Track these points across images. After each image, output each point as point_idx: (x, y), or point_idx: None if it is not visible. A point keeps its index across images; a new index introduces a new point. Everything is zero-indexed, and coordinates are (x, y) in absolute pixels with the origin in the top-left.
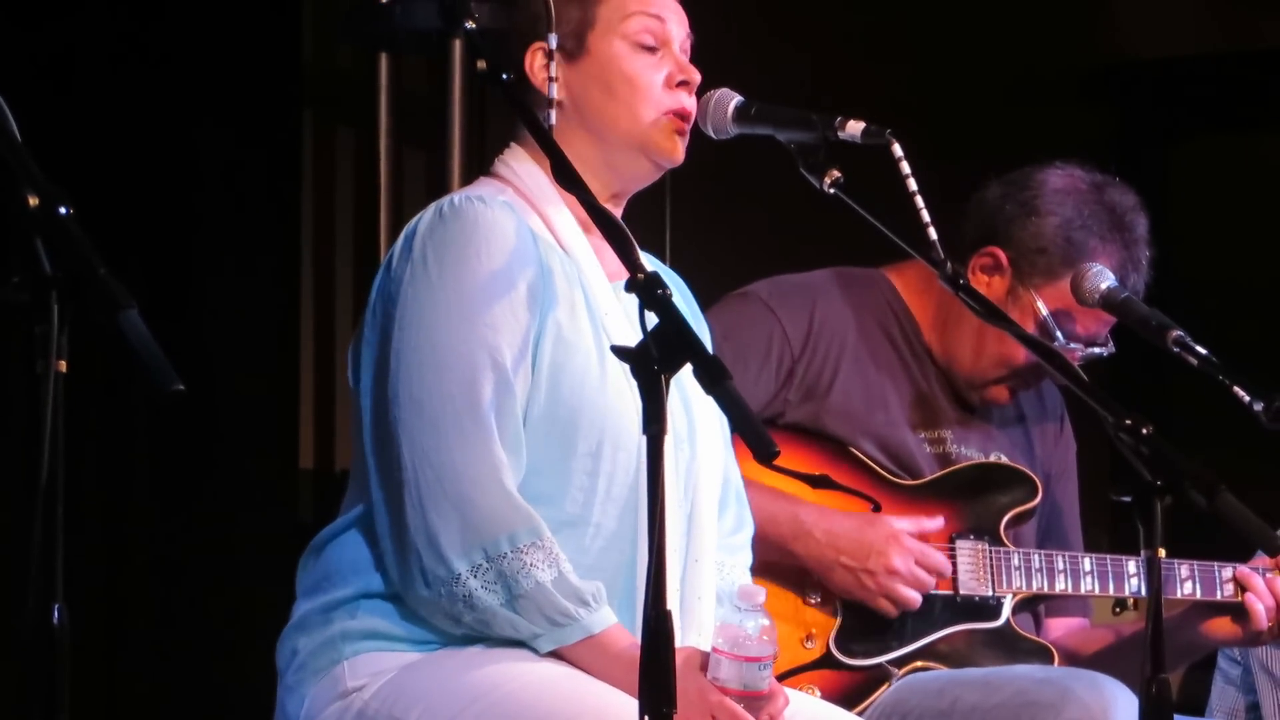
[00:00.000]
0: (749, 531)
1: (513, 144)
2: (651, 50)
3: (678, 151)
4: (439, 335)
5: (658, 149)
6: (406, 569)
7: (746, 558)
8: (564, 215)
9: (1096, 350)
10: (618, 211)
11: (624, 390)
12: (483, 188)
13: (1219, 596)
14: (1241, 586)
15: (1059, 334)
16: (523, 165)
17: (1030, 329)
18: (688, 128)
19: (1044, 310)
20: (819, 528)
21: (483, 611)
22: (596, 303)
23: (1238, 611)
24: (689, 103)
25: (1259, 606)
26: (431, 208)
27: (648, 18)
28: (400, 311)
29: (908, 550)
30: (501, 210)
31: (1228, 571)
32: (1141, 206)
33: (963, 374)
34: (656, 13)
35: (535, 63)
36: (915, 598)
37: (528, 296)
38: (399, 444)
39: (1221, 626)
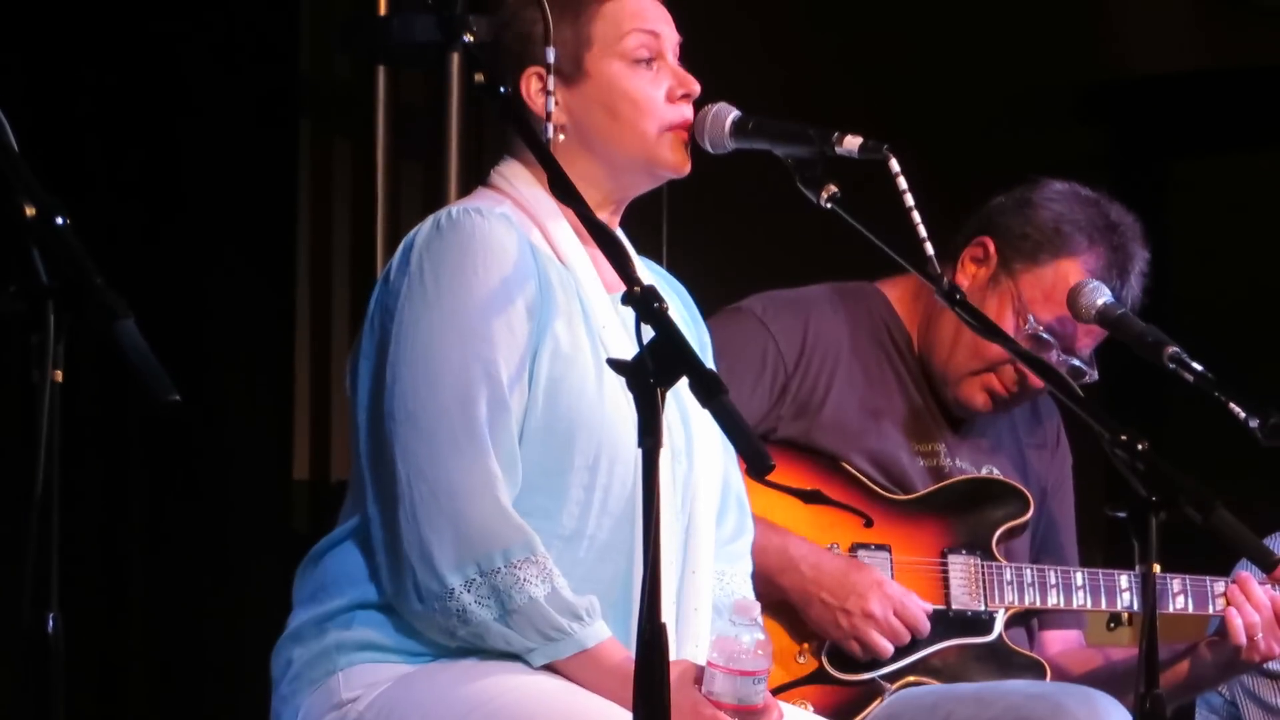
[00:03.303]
0: (749, 538)
1: (507, 157)
2: (648, 64)
3: (686, 164)
4: (434, 350)
5: (666, 164)
6: (400, 583)
7: (747, 565)
8: (562, 227)
9: (1076, 362)
10: (616, 219)
11: (621, 403)
12: (481, 199)
13: (1211, 610)
14: (1228, 601)
15: (1032, 318)
16: (518, 178)
17: (1009, 314)
18: (689, 137)
19: (1023, 296)
20: (806, 562)
21: (476, 626)
22: (594, 315)
23: (1221, 638)
24: (690, 113)
25: (1237, 621)
26: (430, 220)
27: (643, 34)
28: (397, 326)
29: (888, 598)
30: (499, 222)
31: (1220, 586)
32: (1143, 235)
33: (939, 369)
34: (651, 28)
35: (531, 88)
36: (886, 646)
37: (525, 310)
38: (394, 458)
39: (1207, 653)
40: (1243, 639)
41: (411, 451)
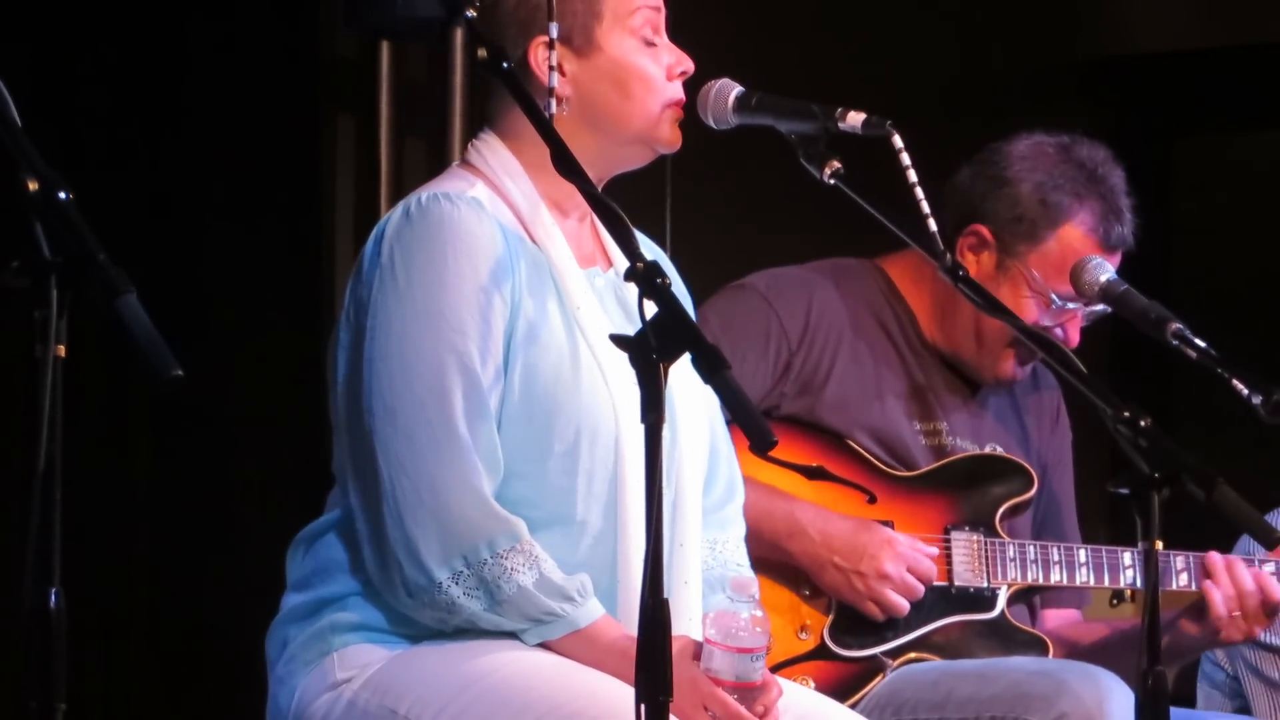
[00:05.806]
0: (740, 500)
1: (487, 130)
2: (651, 42)
3: (679, 140)
4: (408, 343)
5: (665, 141)
6: (388, 579)
7: (739, 530)
8: (536, 204)
9: (1099, 308)
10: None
11: (599, 384)
12: (452, 180)
13: None
14: (1207, 573)
15: (1054, 297)
16: (496, 154)
17: (1026, 298)
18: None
19: (1036, 276)
20: (814, 526)
21: (468, 615)
22: (569, 296)
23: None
24: (681, 92)
25: (1216, 595)
26: (399, 207)
27: (649, 10)
28: (370, 319)
29: (900, 556)
30: (469, 208)
31: None
32: (1113, 159)
33: (971, 359)
34: (655, 4)
35: (539, 56)
36: (903, 604)
37: (497, 297)
38: (375, 455)
39: (1189, 627)
40: (1223, 611)
41: (391, 448)
